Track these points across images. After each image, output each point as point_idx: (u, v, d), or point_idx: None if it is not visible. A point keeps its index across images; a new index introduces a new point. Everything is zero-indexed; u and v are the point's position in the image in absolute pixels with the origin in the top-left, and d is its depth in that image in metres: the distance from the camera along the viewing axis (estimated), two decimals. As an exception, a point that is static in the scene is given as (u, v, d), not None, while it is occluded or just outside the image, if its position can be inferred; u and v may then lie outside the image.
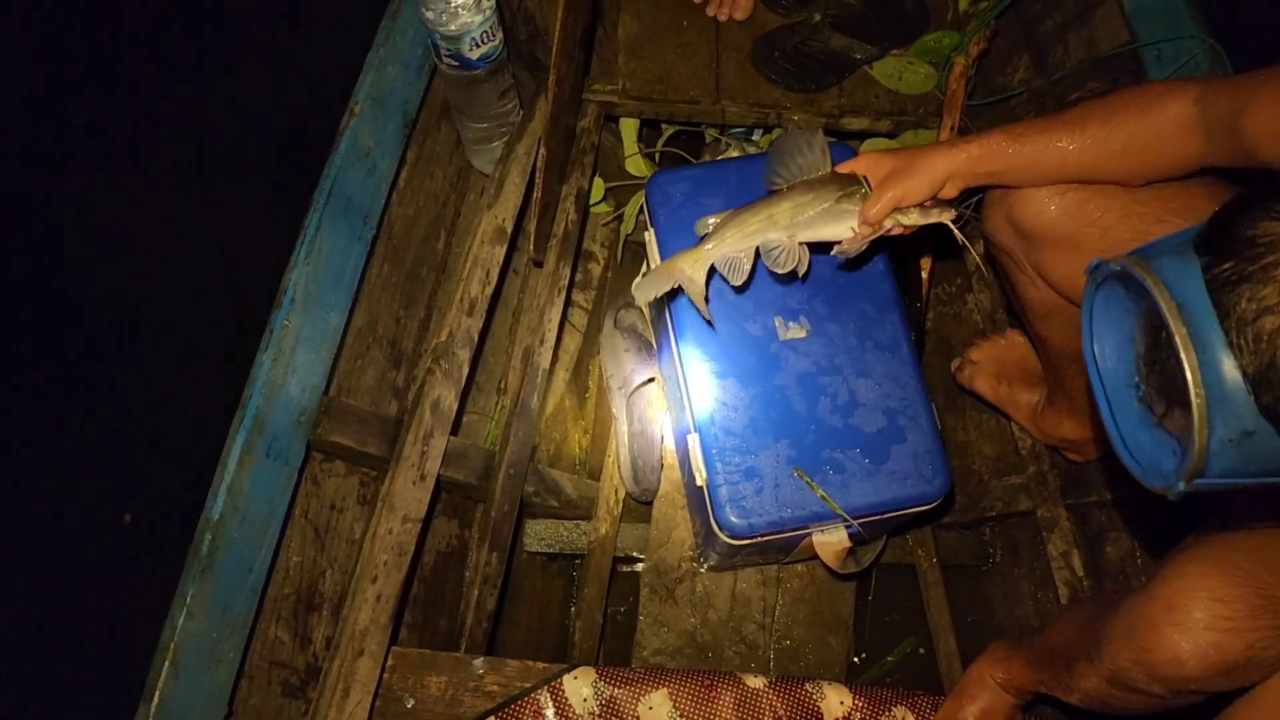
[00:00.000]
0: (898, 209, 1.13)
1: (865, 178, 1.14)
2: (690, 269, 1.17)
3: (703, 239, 1.18)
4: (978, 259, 1.22)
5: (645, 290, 1.21)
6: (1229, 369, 0.66)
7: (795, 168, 1.17)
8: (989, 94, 1.84)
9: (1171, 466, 0.74)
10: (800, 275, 1.19)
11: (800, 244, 1.16)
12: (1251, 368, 0.65)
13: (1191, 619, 0.89)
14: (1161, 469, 0.75)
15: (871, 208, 1.12)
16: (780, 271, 1.16)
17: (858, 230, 1.15)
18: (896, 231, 1.16)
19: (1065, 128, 1.08)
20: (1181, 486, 0.71)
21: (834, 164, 1.17)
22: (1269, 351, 0.65)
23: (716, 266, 1.18)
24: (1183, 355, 0.68)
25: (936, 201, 1.15)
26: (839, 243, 1.17)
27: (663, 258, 1.38)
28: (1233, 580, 0.89)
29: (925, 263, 1.63)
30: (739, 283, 1.19)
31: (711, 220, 1.19)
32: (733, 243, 1.16)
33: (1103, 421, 0.79)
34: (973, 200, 1.20)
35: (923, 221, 1.15)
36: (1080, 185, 1.14)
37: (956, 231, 1.17)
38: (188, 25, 2.05)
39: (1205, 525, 1.03)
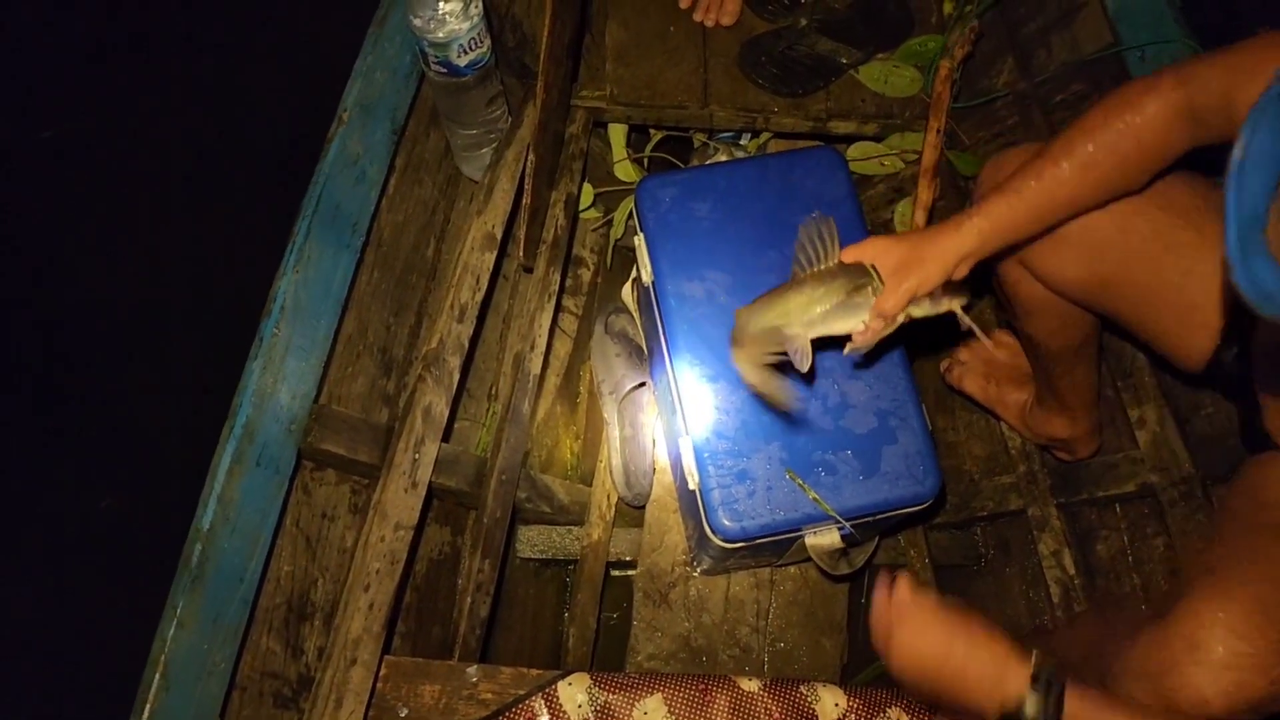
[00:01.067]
0: (912, 300, 1.10)
1: (874, 267, 1.10)
2: (746, 370, 1.14)
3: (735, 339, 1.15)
4: (985, 341, 1.20)
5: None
6: None
7: (810, 255, 1.12)
8: (974, 96, 1.84)
9: None
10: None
11: (803, 339, 1.10)
12: None
13: (1213, 658, 0.88)
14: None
15: (887, 301, 1.08)
16: (801, 368, 1.10)
17: (870, 324, 1.11)
18: (904, 321, 1.13)
19: (1055, 160, 1.07)
20: None
21: (842, 246, 1.13)
22: None
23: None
24: None
25: (946, 286, 1.12)
26: (849, 338, 1.14)
27: (652, 262, 1.38)
28: (1253, 616, 0.89)
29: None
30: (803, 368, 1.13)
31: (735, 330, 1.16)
32: (752, 354, 1.12)
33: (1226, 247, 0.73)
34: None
35: (933, 312, 1.12)
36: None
37: (964, 318, 1.14)
38: (175, 34, 2.04)
39: (1212, 550, 1.02)
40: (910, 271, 1.09)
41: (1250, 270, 0.69)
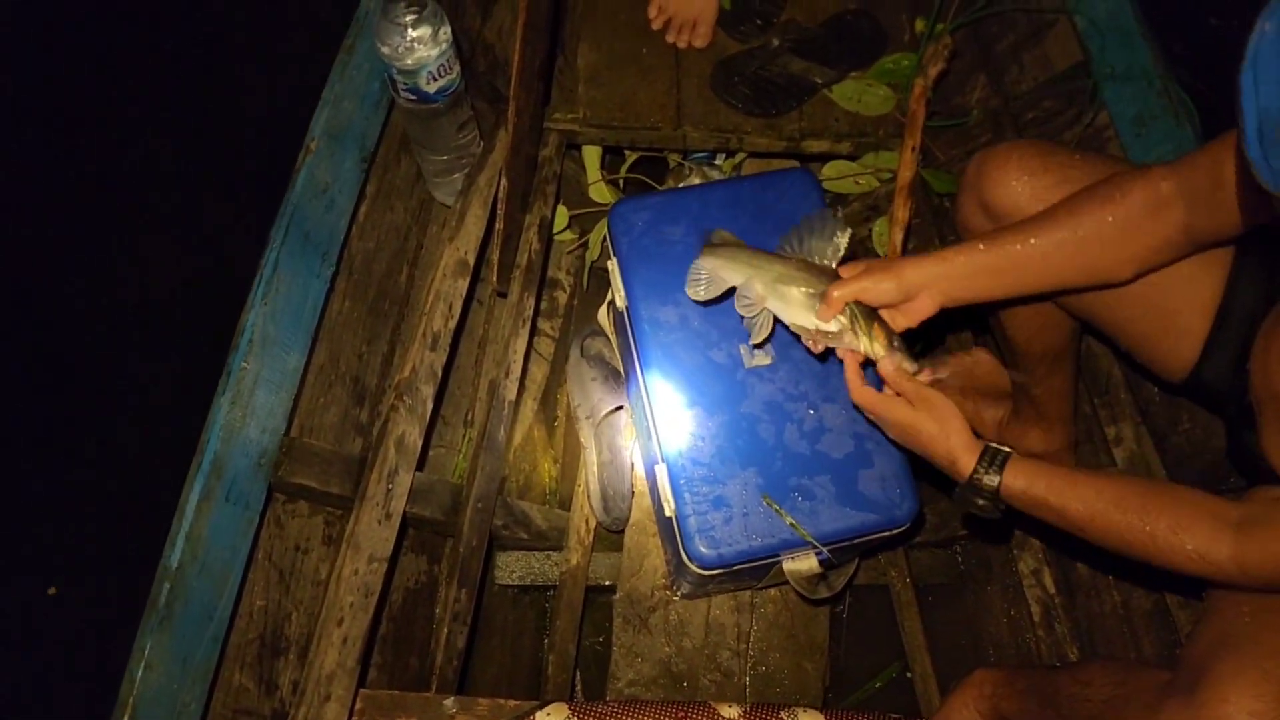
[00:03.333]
0: (856, 299, 1.12)
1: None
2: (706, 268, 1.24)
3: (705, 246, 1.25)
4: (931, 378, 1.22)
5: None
6: None
7: (807, 245, 1.18)
8: (948, 114, 1.85)
9: None
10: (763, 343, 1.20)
11: (769, 314, 1.17)
12: None
13: None
14: None
15: (835, 290, 1.11)
16: (753, 341, 1.18)
17: (819, 315, 1.13)
18: (853, 347, 1.14)
19: (1035, 225, 1.09)
20: None
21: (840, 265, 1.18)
22: None
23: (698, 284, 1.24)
24: None
25: (900, 345, 1.12)
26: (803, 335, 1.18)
27: (626, 287, 1.37)
28: (1277, 696, 0.89)
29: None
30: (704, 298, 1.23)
31: (724, 234, 1.26)
32: (717, 264, 1.21)
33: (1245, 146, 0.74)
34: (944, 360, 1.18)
35: (879, 354, 1.12)
36: (1050, 168, 1.17)
37: (906, 367, 1.13)
38: (139, 65, 2.02)
39: (1233, 615, 1.01)
40: (870, 276, 1.11)
41: (1274, 165, 0.70)
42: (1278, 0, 0.70)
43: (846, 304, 1.12)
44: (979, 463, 1.05)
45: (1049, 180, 1.17)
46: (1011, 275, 1.11)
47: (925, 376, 1.11)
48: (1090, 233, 1.06)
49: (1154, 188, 1.04)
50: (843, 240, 1.16)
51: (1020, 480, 1.03)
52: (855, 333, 1.12)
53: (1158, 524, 0.97)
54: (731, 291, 1.22)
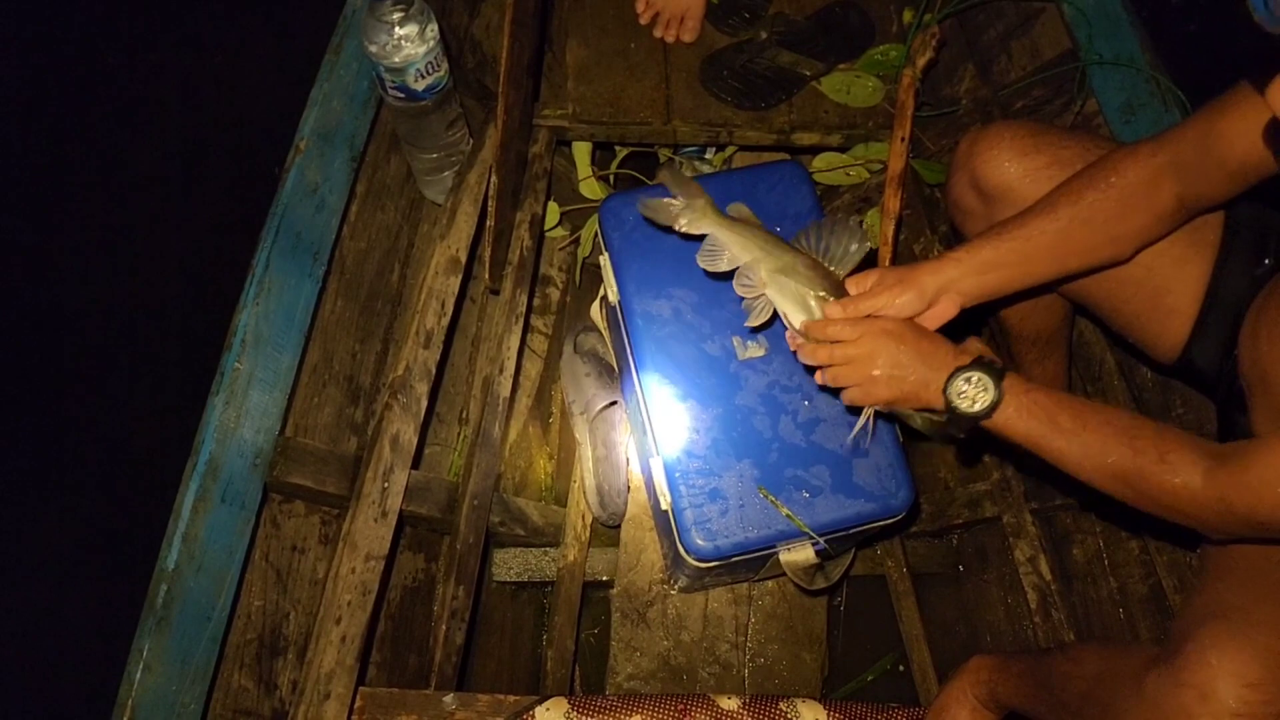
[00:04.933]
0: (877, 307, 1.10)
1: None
2: (698, 216, 1.21)
3: (721, 212, 1.22)
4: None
5: (650, 206, 1.25)
6: None
7: (823, 245, 1.15)
8: (937, 104, 1.85)
9: None
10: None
11: (767, 301, 1.15)
12: None
13: (1226, 707, 0.88)
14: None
15: (851, 305, 1.10)
16: (749, 324, 1.15)
17: (806, 322, 1.13)
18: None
19: (1038, 213, 1.09)
20: None
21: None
22: None
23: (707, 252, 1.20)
24: None
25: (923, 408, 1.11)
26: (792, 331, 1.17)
27: (618, 282, 1.38)
28: (1264, 663, 0.89)
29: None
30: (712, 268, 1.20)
31: (743, 209, 1.23)
32: (729, 238, 1.18)
33: None
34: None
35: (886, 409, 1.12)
36: (1042, 148, 1.17)
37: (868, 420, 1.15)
38: (125, 66, 2.01)
39: (1218, 587, 1.02)
40: (886, 285, 1.10)
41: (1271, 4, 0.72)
42: None
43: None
44: (967, 370, 1.03)
45: (1041, 160, 1.17)
46: (1022, 267, 1.10)
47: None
48: (1093, 214, 1.06)
49: (1146, 162, 1.05)
50: (858, 253, 1.14)
51: (1019, 393, 1.02)
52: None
53: (1147, 453, 0.96)
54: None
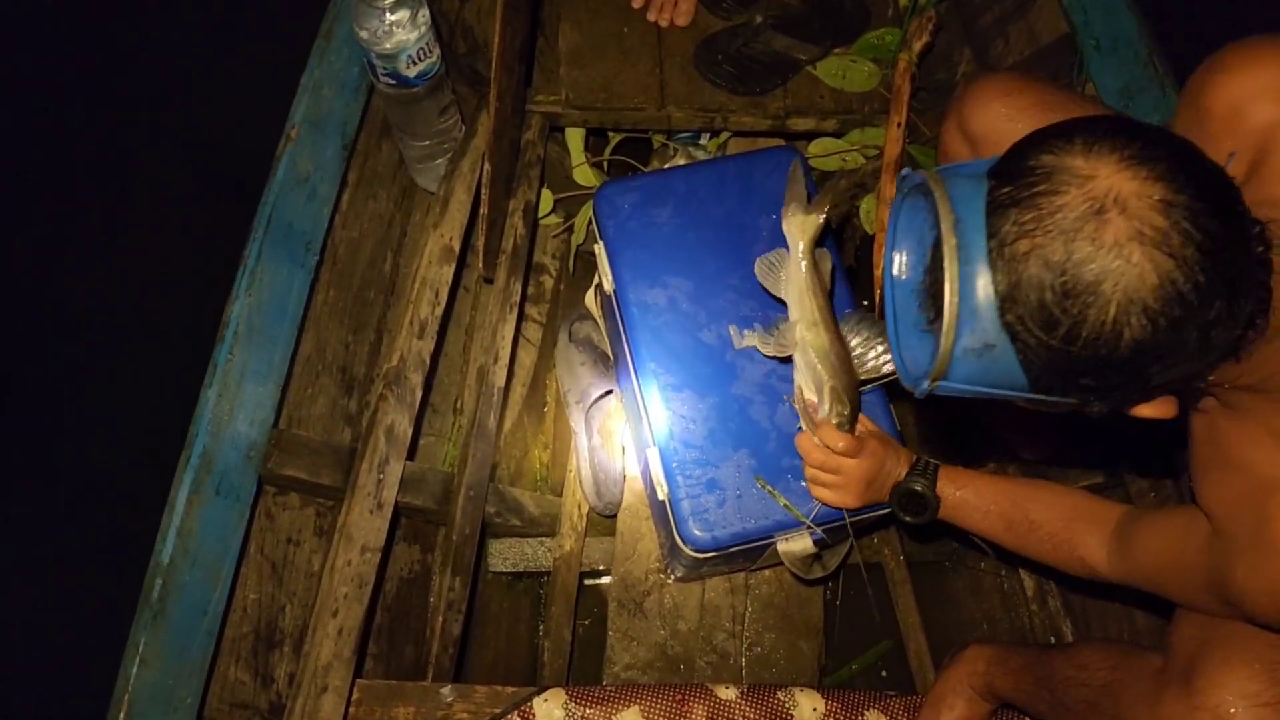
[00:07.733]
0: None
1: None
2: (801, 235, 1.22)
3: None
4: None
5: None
6: (984, 284, 0.71)
7: (861, 338, 1.22)
8: (933, 89, 1.84)
9: (925, 369, 0.79)
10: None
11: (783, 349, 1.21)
12: (1003, 285, 0.70)
13: None
14: (918, 370, 0.81)
15: (829, 438, 1.17)
16: (765, 352, 1.23)
17: (819, 421, 1.19)
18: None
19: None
20: (926, 386, 0.79)
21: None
22: (1019, 271, 0.69)
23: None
24: (947, 264, 0.72)
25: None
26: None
27: (613, 270, 1.37)
28: (1274, 682, 0.90)
29: (877, 259, 1.63)
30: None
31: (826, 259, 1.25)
32: (797, 294, 1.21)
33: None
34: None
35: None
36: (1026, 90, 1.18)
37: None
38: (115, 55, 1.99)
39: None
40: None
41: (904, 344, 0.84)
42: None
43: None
44: (912, 471, 1.20)
45: (1025, 100, 1.17)
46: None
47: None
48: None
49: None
50: (883, 369, 1.21)
51: (949, 486, 1.18)
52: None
53: (1060, 548, 1.11)
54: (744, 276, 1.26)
